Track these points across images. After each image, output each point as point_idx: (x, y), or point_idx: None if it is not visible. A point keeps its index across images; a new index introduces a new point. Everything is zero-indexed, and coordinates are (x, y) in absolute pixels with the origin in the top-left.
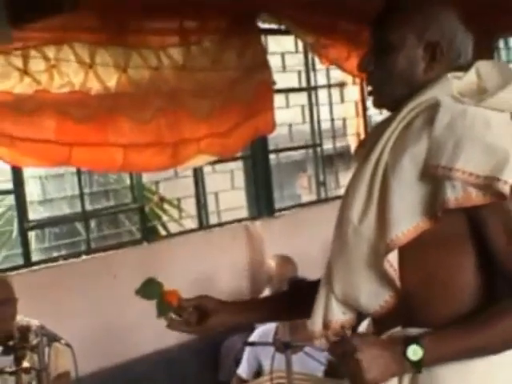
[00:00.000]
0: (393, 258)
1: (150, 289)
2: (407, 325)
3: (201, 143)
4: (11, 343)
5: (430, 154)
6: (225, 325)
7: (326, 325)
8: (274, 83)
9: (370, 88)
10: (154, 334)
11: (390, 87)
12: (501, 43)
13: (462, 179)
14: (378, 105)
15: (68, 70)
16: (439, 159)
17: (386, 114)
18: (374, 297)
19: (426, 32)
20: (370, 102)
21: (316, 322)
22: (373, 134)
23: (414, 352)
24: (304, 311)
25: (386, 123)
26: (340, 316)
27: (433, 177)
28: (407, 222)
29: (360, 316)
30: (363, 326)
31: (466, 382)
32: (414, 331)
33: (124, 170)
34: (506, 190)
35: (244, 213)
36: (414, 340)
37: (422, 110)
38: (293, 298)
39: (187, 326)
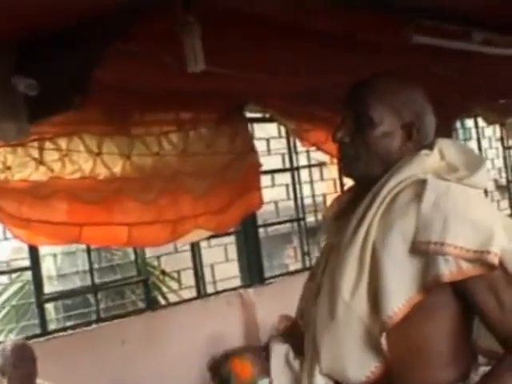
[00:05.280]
0: None
1: None
2: None
3: (198, 219)
4: None
5: (418, 230)
6: None
7: None
8: (260, 166)
9: (341, 157)
10: None
11: (365, 161)
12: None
13: (453, 253)
14: (349, 175)
15: (78, 158)
16: (430, 235)
17: None
18: (361, 368)
19: (402, 112)
20: (346, 179)
21: None
22: (347, 207)
23: None
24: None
25: (362, 198)
26: None
27: (424, 252)
28: (401, 297)
29: None
30: None
31: None
32: None
33: (129, 245)
34: (496, 261)
35: (237, 282)
36: None
37: (405, 186)
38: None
39: None
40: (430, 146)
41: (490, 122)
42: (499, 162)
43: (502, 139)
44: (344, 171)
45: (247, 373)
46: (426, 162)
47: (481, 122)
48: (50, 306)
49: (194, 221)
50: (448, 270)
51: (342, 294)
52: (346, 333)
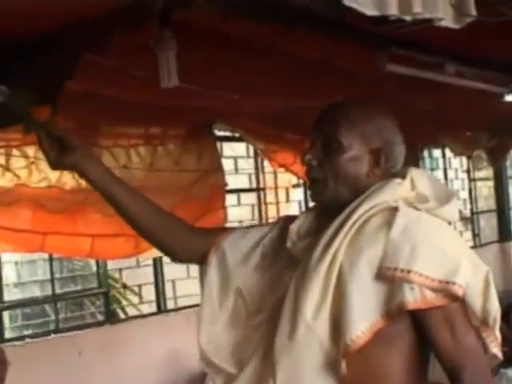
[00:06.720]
0: None
1: (21, 98)
2: None
3: None
4: None
5: (386, 256)
6: (77, 166)
7: None
8: (226, 185)
9: (308, 180)
10: None
11: (332, 185)
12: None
13: (419, 282)
14: (315, 198)
15: (45, 166)
16: (397, 262)
17: None
18: None
19: (372, 138)
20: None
21: None
22: (314, 226)
23: None
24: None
25: (330, 220)
26: None
27: (390, 278)
28: (365, 321)
29: None
30: None
31: None
32: None
33: (91, 256)
34: (460, 293)
35: (198, 299)
36: None
37: (376, 212)
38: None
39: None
40: (403, 175)
41: (457, 153)
42: (464, 194)
43: (468, 171)
44: (311, 194)
45: None
46: (398, 190)
47: (448, 152)
48: (5, 314)
49: None
50: (413, 297)
51: (305, 315)
52: (305, 354)
